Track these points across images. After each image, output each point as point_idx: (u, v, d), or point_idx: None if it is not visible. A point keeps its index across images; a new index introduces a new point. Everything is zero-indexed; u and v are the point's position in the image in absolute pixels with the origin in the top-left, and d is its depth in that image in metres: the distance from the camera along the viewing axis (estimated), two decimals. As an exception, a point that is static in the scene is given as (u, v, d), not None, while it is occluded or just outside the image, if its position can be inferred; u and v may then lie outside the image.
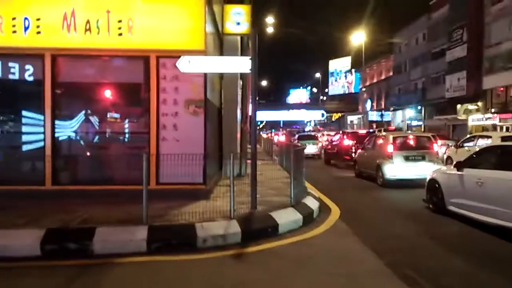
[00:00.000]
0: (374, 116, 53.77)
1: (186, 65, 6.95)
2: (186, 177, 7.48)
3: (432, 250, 5.67)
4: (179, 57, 6.98)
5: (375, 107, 57.86)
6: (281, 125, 56.62)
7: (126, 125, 8.41)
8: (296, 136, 27.36)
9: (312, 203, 7.75)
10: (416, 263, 5.06)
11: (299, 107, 70.07)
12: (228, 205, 6.23)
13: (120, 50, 7.73)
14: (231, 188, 6.17)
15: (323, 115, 67.31)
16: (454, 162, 8.00)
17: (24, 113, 8.00)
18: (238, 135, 12.44)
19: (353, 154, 15.64)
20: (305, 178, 9.30)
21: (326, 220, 7.20)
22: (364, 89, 63.21)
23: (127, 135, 8.44)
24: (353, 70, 67.49)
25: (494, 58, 30.56)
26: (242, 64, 7.38)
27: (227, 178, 9.41)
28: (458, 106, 35.14)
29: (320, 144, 24.06)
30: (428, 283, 4.38)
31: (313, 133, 29.25)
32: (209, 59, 7.69)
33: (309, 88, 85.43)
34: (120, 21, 7.59)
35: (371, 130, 24.77)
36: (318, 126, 67.63)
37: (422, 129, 40.87)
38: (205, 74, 7.83)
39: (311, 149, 21.89)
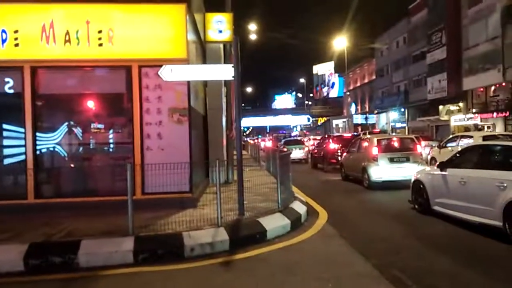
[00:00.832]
0: (359, 119, 54.37)
1: (168, 73, 6.93)
2: (172, 186, 7.42)
3: (418, 250, 5.73)
4: (161, 66, 6.97)
5: (359, 111, 58.52)
6: (268, 131, 56.79)
7: (110, 136, 8.32)
8: (283, 141, 27.43)
9: (299, 207, 7.77)
10: (403, 264, 5.11)
11: (285, 112, 70.41)
12: (215, 212, 6.20)
13: (101, 60, 7.66)
14: (218, 195, 6.15)
15: (308, 119, 67.90)
16: (438, 163, 8.13)
17: (4, 126, 7.85)
18: (224, 142, 12.42)
19: (339, 158, 15.75)
20: (292, 183, 9.32)
21: (314, 224, 7.22)
22: (348, 93, 63.91)
23: (111, 146, 8.35)
24: (335, 74, 68.28)
25: (473, 59, 31.29)
26: (224, 72, 7.40)
27: (214, 185, 9.39)
28: (440, 107, 35.81)
29: (306, 149, 24.16)
30: (415, 284, 4.42)
31: (299, 138, 29.38)
32: (192, 67, 7.69)
33: (294, 93, 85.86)
34: (100, 32, 7.53)
35: (356, 134, 24.98)
36: (304, 131, 67.96)
37: (406, 131, 41.45)
38: (188, 82, 7.82)
39: (297, 153, 21.98)
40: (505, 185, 5.81)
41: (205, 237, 5.67)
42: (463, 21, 32.47)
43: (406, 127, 43.04)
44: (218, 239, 5.68)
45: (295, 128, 72.98)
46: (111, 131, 8.31)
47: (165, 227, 6.06)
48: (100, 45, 7.53)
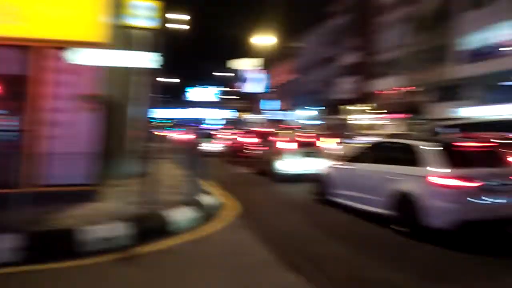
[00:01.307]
0: (278, 115, 56.12)
1: (80, 57, 6.47)
2: (75, 178, 6.95)
3: (319, 238, 6.12)
4: (73, 48, 6.44)
5: (280, 107, 60.38)
6: (188, 123, 55.66)
7: (5, 122, 7.46)
8: (198, 133, 27.03)
9: (210, 200, 7.79)
10: (304, 251, 5.43)
11: (205, 106, 69.91)
12: (120, 205, 5.95)
13: (3, 38, 6.81)
14: (124, 188, 5.90)
15: (230, 113, 68.24)
16: (342, 157, 8.75)
17: None
18: (139, 133, 11.95)
19: (254, 152, 16.09)
20: (204, 176, 9.29)
21: (224, 216, 7.30)
22: (270, 90, 65.52)
23: (5, 133, 7.50)
24: (262, 71, 69.44)
25: (382, 64, 34.27)
26: (145, 60, 7.09)
27: (124, 178, 8.97)
28: (350, 107, 38.62)
29: (222, 142, 24.21)
30: (314, 269, 4.76)
31: (216, 131, 29.26)
32: (106, 52, 7.16)
33: (217, 87, 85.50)
34: (5, 7, 6.69)
35: (271, 129, 25.61)
36: (226, 125, 68.04)
37: (320, 128, 43.83)
38: (103, 68, 7.31)
39: (212, 146, 21.99)
40: (394, 178, 6.47)
41: (106, 231, 5.39)
42: (376, 28, 35.28)
43: (320, 124, 45.49)
44: (121, 233, 5.44)
45: (216, 122, 72.80)
46: (7, 117, 7.46)
47: (61, 222, 5.65)
48: (4, 22, 6.70)
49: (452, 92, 27.39)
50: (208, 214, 7.12)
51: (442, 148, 6.15)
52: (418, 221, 5.86)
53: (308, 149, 12.28)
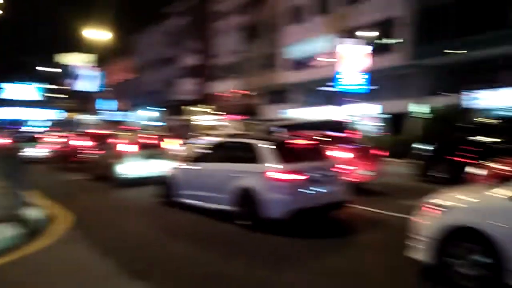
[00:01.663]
0: (117, 116, 52.82)
1: None
2: None
3: (164, 241, 5.97)
4: None
5: (119, 107, 56.96)
6: (3, 125, 47.45)
7: None
8: (18, 137, 23.26)
9: (34, 213, 6.76)
10: (146, 256, 5.23)
11: (29, 105, 61.17)
12: None
13: None
14: None
15: (58, 114, 60.89)
16: (186, 158, 8.73)
17: None
18: None
19: (90, 156, 14.72)
20: (27, 185, 8.01)
21: (53, 231, 6.41)
22: (106, 89, 61.07)
23: None
24: (96, 68, 63.98)
25: (220, 67, 35.82)
26: None
27: None
28: (191, 108, 39.17)
29: (49, 146, 21.43)
30: (158, 272, 4.62)
31: (42, 133, 25.67)
32: None
33: (41, 83, 75.11)
34: None
35: (109, 131, 23.95)
36: (53, 127, 60.49)
37: (163, 129, 43.17)
38: None
39: (37, 151, 19.36)
40: (236, 175, 6.78)
41: None
42: (213, 33, 36.62)
43: (162, 125, 44.78)
44: None
45: (38, 124, 63.98)
46: None
47: None
48: None
49: (281, 95, 30.71)
50: (33, 230, 6.15)
51: (275, 146, 6.72)
52: (259, 214, 6.28)
53: (152, 151, 11.85)
